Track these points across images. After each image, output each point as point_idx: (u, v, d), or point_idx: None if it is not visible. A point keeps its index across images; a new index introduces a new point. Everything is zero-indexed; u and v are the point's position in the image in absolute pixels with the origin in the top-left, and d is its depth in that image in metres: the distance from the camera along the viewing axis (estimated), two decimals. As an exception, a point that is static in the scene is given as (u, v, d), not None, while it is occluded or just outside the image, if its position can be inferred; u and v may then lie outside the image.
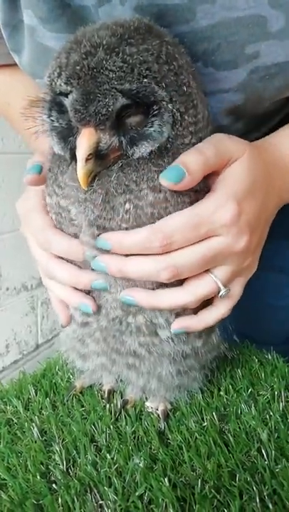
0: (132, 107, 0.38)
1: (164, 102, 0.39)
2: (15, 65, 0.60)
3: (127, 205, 0.41)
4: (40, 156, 0.50)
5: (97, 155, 0.39)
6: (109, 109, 0.37)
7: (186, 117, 0.41)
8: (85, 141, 0.38)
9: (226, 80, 0.48)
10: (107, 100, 0.37)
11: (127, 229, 0.42)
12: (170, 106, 0.39)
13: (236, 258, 0.44)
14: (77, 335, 0.53)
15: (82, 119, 0.37)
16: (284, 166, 0.50)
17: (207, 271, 0.44)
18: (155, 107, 0.39)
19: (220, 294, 0.45)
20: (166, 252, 0.42)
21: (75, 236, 0.45)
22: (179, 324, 0.47)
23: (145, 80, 0.37)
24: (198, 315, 0.47)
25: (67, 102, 0.38)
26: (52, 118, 0.41)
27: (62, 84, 0.38)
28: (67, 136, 0.41)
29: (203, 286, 0.44)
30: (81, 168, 0.38)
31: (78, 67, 0.37)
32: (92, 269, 0.45)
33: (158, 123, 0.39)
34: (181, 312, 0.47)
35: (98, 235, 0.43)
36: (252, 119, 0.56)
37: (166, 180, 0.40)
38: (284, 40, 0.45)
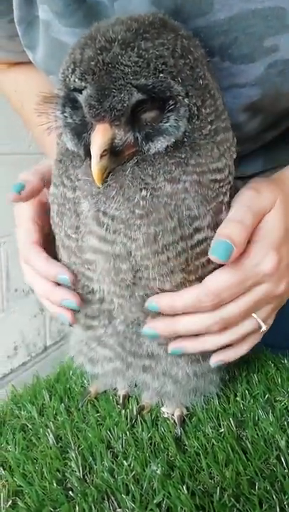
0: (147, 103, 0.38)
1: (180, 97, 0.38)
2: (29, 62, 0.59)
3: (144, 192, 0.40)
4: (28, 174, 0.52)
5: (112, 151, 0.38)
6: (125, 105, 0.36)
7: (202, 110, 0.40)
8: (100, 137, 0.37)
9: (242, 74, 0.47)
10: (122, 95, 0.36)
11: (141, 216, 0.40)
12: (186, 100, 0.38)
13: (276, 299, 0.48)
14: (82, 339, 0.52)
15: (96, 114, 0.37)
16: None
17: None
18: (171, 102, 0.38)
19: (261, 331, 0.48)
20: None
21: (76, 228, 0.44)
22: (216, 358, 0.49)
23: (161, 75, 0.36)
24: (233, 347, 0.49)
25: (81, 97, 0.38)
26: (65, 114, 0.41)
27: (77, 80, 0.37)
28: (81, 132, 0.40)
29: (246, 326, 0.47)
30: (96, 164, 0.38)
31: (93, 63, 0.36)
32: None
33: (174, 118, 0.38)
34: None
35: (103, 223, 0.41)
36: (269, 116, 0.55)
37: (216, 257, 0.41)
38: None
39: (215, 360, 0.49)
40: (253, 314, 0.46)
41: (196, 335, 0.46)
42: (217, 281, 0.43)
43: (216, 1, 0.43)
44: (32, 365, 1.58)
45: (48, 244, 0.50)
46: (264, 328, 0.47)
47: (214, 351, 0.49)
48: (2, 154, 1.34)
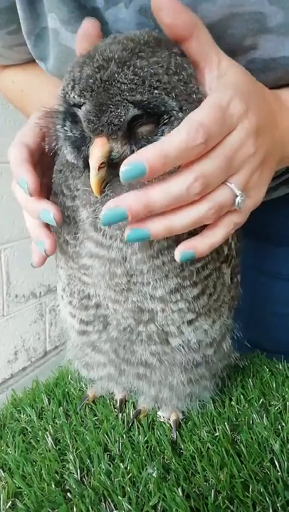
0: (143, 117, 0.39)
1: (174, 111, 0.40)
2: (25, 63, 0.60)
3: None
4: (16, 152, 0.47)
5: (110, 163, 0.40)
6: (121, 120, 0.38)
7: None
8: (98, 150, 0.39)
9: None
10: (119, 111, 0.38)
11: None
12: (180, 115, 0.40)
13: (247, 163, 0.41)
14: (77, 343, 0.53)
15: (95, 129, 0.39)
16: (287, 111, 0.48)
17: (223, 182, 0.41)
18: (165, 116, 0.40)
19: (236, 202, 0.41)
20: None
21: (74, 234, 0.45)
22: (185, 245, 0.41)
23: (156, 91, 0.38)
24: (203, 232, 0.42)
25: (80, 113, 0.40)
26: (66, 128, 0.43)
27: (76, 96, 0.39)
28: (80, 145, 0.42)
29: (220, 195, 0.40)
30: (94, 176, 0.39)
31: (91, 80, 0.38)
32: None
33: (168, 131, 0.40)
34: (191, 301, 0.46)
35: (100, 229, 0.42)
36: None
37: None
38: (280, 36, 0.46)
39: (184, 247, 0.41)
40: (226, 183, 0.40)
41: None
42: (198, 115, 0.37)
43: (200, 9, 0.45)
44: (32, 369, 1.59)
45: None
46: (240, 197, 0.41)
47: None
48: (2, 162, 1.35)
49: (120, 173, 0.36)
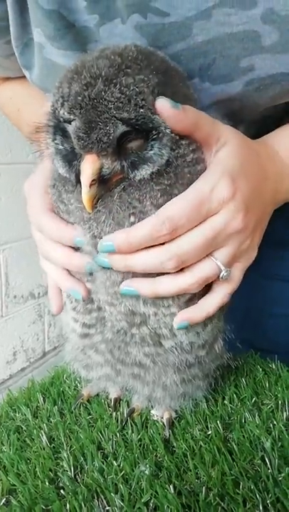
0: (131, 133, 0.40)
1: (162, 128, 0.40)
2: (24, 77, 0.62)
3: (132, 219, 0.43)
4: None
5: (101, 180, 0.41)
6: (110, 137, 0.39)
7: (182, 141, 0.42)
8: (88, 167, 0.40)
9: (222, 93, 0.50)
10: (108, 128, 0.39)
11: None
12: (168, 130, 0.41)
13: (235, 238, 0.44)
14: (78, 346, 0.54)
15: (85, 146, 0.40)
16: (279, 162, 0.51)
17: (208, 254, 0.44)
18: (154, 132, 0.41)
19: (221, 276, 0.45)
20: (170, 241, 0.42)
21: (79, 248, 0.47)
22: (181, 317, 0.46)
23: (141, 110, 0.39)
24: (198, 304, 0.46)
25: (70, 128, 0.40)
26: (56, 142, 0.43)
27: (66, 113, 0.40)
28: (71, 159, 0.43)
29: (204, 268, 0.44)
30: (86, 193, 0.40)
31: (80, 98, 0.39)
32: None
33: (158, 146, 0.41)
34: (182, 305, 0.47)
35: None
36: (251, 126, 0.58)
37: (164, 100, 0.40)
38: (276, 54, 0.47)
39: (180, 319, 0.46)
40: (211, 257, 0.44)
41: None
42: (172, 207, 0.41)
43: (195, 26, 0.46)
44: (31, 370, 1.59)
45: None
46: (224, 271, 0.44)
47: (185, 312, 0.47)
48: (1, 164, 1.36)
49: (98, 245, 0.43)
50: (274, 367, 0.67)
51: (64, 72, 0.42)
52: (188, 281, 0.44)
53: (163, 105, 0.40)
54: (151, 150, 0.41)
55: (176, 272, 0.44)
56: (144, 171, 0.42)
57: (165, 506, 0.42)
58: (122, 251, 0.42)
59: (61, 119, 0.41)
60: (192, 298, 0.47)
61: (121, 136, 0.40)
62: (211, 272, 0.44)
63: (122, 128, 0.39)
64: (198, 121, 0.42)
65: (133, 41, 0.46)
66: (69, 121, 0.40)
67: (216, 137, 0.44)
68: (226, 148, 0.44)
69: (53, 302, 0.53)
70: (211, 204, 0.42)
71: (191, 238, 0.42)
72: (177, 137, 0.42)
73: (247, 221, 0.44)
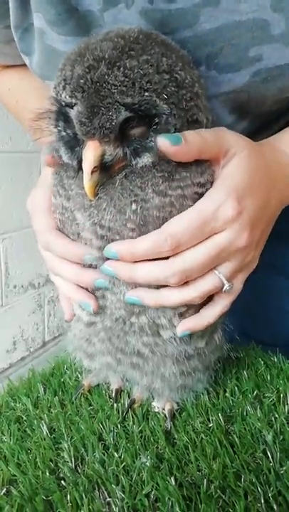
0: (134, 119, 0.39)
1: (165, 115, 0.40)
2: (23, 65, 0.61)
3: (134, 206, 0.42)
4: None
5: (103, 166, 0.40)
6: (113, 123, 0.38)
7: (184, 129, 0.42)
8: (91, 154, 0.39)
9: (228, 83, 0.49)
10: (110, 114, 0.38)
11: (133, 229, 0.43)
12: (170, 119, 0.40)
13: (239, 254, 0.45)
14: (84, 335, 0.54)
15: (87, 132, 0.39)
16: (286, 164, 0.51)
17: (211, 269, 0.45)
18: (156, 120, 0.40)
19: (224, 289, 0.46)
20: (174, 255, 0.43)
21: (78, 235, 0.46)
22: (183, 327, 0.47)
23: (146, 94, 0.38)
24: (199, 313, 0.48)
25: (72, 113, 0.40)
26: (59, 128, 0.43)
27: (68, 97, 0.39)
28: (74, 146, 0.42)
29: (207, 282, 0.45)
30: (88, 180, 0.40)
31: (82, 81, 0.38)
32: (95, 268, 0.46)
33: (160, 134, 0.40)
34: (184, 312, 0.48)
35: (102, 236, 0.44)
36: (256, 119, 0.57)
37: (164, 138, 0.40)
38: (285, 44, 0.46)
39: (181, 329, 0.47)
40: (215, 271, 0.45)
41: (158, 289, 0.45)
42: (176, 224, 0.42)
43: (202, 13, 0.45)
44: (31, 359, 1.60)
45: None
46: (227, 286, 0.45)
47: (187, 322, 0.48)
48: (1, 153, 1.35)
49: (104, 249, 0.43)
50: (276, 360, 0.67)
51: (67, 55, 0.41)
52: (191, 294, 0.45)
53: (163, 145, 0.40)
54: (153, 139, 0.40)
55: (180, 287, 0.45)
56: (146, 159, 0.41)
57: (166, 498, 0.42)
58: (124, 260, 0.43)
59: (63, 103, 0.40)
60: None
61: (124, 122, 0.39)
62: (214, 286, 0.45)
63: (124, 114, 0.38)
64: (203, 146, 0.42)
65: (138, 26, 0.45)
66: (71, 106, 0.39)
67: (223, 152, 0.44)
68: (234, 161, 0.44)
69: (66, 311, 0.54)
70: (216, 223, 0.42)
71: (195, 254, 0.43)
72: (180, 124, 0.41)
73: (251, 238, 0.45)
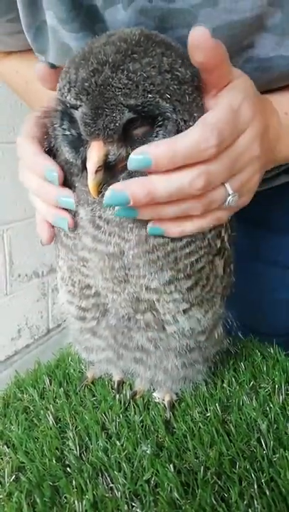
0: (138, 120, 0.41)
1: (168, 113, 0.41)
2: (29, 50, 0.61)
3: None
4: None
5: (106, 166, 0.41)
6: (117, 124, 0.39)
7: (190, 123, 0.42)
8: (95, 154, 0.40)
9: None
10: (114, 115, 0.39)
11: (134, 219, 0.43)
12: (174, 116, 0.41)
13: (250, 165, 0.44)
14: (77, 328, 0.56)
15: (91, 133, 0.40)
16: (277, 120, 0.50)
17: None
18: (160, 118, 0.41)
19: (228, 201, 0.43)
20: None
21: (75, 228, 0.47)
22: (158, 223, 0.43)
23: (149, 95, 0.39)
24: (192, 219, 0.43)
25: (77, 114, 0.41)
26: (64, 127, 0.44)
27: (72, 99, 0.40)
28: (78, 146, 0.43)
29: (214, 192, 0.42)
30: (92, 180, 0.41)
31: (86, 84, 0.39)
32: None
33: (162, 133, 0.41)
34: (184, 292, 0.48)
35: (99, 226, 0.44)
36: None
37: (202, 28, 0.37)
38: (278, 36, 0.47)
39: (151, 225, 0.43)
40: (225, 183, 0.42)
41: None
42: (216, 116, 0.39)
43: (201, 14, 0.45)
44: (35, 347, 1.63)
45: None
46: (231, 197, 0.42)
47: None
48: (5, 143, 1.35)
49: (129, 159, 0.39)
50: (272, 351, 0.69)
51: (72, 57, 0.42)
52: (203, 203, 0.41)
53: (204, 34, 0.37)
54: (156, 137, 0.41)
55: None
56: None
57: (165, 484, 0.45)
58: (161, 167, 0.38)
59: (68, 104, 0.41)
60: (193, 286, 0.48)
61: (127, 123, 0.40)
62: (220, 197, 0.43)
63: (128, 115, 0.39)
64: (225, 60, 0.40)
65: (137, 26, 0.46)
66: (76, 107, 0.40)
67: (229, 79, 0.43)
68: (241, 79, 0.43)
69: (43, 233, 0.50)
70: (242, 120, 0.41)
71: (222, 159, 0.40)
72: (183, 123, 0.42)
73: (261, 149, 0.43)
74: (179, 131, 0.41)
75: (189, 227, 0.43)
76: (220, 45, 0.39)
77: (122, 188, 0.39)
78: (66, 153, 0.45)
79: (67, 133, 0.44)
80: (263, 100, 0.48)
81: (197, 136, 0.38)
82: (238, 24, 0.46)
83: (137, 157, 0.38)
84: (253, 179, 0.45)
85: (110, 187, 0.40)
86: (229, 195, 0.42)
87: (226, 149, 0.40)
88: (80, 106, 0.40)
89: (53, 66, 0.45)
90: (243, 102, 0.41)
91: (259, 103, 0.45)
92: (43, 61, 0.46)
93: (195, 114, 0.42)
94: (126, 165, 0.42)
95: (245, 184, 0.44)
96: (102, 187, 0.42)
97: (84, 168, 0.43)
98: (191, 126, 0.42)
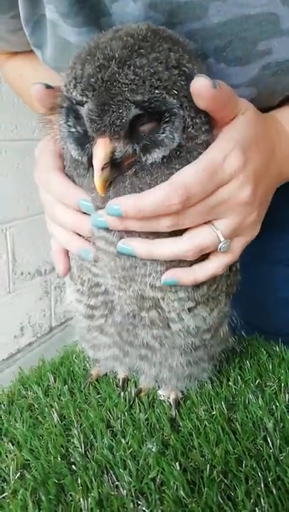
0: (144, 116, 0.40)
1: (175, 109, 0.40)
2: (31, 51, 0.61)
3: None
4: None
5: (113, 163, 0.41)
6: (123, 120, 0.39)
7: (197, 120, 0.42)
8: (101, 150, 0.40)
9: (237, 76, 0.49)
10: (120, 111, 0.39)
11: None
12: (181, 112, 0.40)
13: (239, 211, 0.44)
14: (84, 326, 0.55)
15: (98, 129, 0.40)
16: (285, 138, 0.51)
17: (208, 222, 0.44)
18: (166, 115, 0.40)
19: (219, 247, 0.44)
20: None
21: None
22: (170, 273, 0.45)
23: (156, 91, 0.39)
24: (191, 267, 0.46)
25: (83, 110, 0.40)
26: (69, 124, 0.43)
27: (78, 95, 0.40)
28: (84, 142, 0.43)
29: (202, 236, 0.44)
30: (98, 177, 0.41)
31: (93, 80, 0.39)
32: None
33: (169, 129, 0.41)
34: (190, 291, 0.48)
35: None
36: (263, 110, 0.57)
37: (204, 79, 0.39)
38: None
39: (168, 275, 0.45)
40: (212, 226, 0.44)
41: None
42: (185, 175, 0.41)
43: (211, 7, 0.45)
44: (38, 345, 1.63)
45: None
46: (222, 243, 0.44)
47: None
48: (7, 140, 1.35)
49: (106, 207, 0.42)
50: (278, 350, 0.69)
51: (78, 53, 0.42)
52: (184, 247, 0.43)
53: (204, 85, 0.39)
54: (163, 133, 0.41)
55: (174, 237, 0.44)
56: (156, 155, 0.42)
57: (171, 482, 0.45)
58: (129, 217, 0.41)
59: (74, 100, 0.41)
60: (199, 285, 0.48)
61: (134, 119, 0.40)
62: (209, 240, 0.44)
63: (134, 111, 0.39)
64: (231, 97, 0.42)
65: (146, 20, 0.45)
66: (82, 104, 0.40)
67: (236, 112, 0.44)
68: (243, 116, 0.44)
69: (60, 265, 0.52)
70: (224, 173, 0.42)
71: (198, 206, 0.42)
72: (190, 119, 0.41)
73: (255, 194, 0.44)
74: (185, 127, 0.41)
75: (201, 274, 0.46)
76: (221, 91, 0.40)
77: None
78: (72, 150, 0.44)
79: (73, 130, 0.43)
80: (268, 122, 0.49)
81: (162, 195, 0.40)
82: (250, 21, 0.45)
83: (111, 205, 0.42)
84: (245, 222, 0.46)
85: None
86: (220, 241, 0.44)
87: (204, 199, 0.42)
88: (86, 102, 0.39)
89: (48, 87, 0.46)
90: (231, 151, 0.42)
91: (258, 138, 0.45)
92: (40, 82, 0.46)
93: (202, 112, 0.42)
94: (132, 162, 0.42)
95: (238, 227, 0.45)
96: (108, 184, 0.42)
97: (90, 165, 0.42)
98: (197, 122, 0.42)
